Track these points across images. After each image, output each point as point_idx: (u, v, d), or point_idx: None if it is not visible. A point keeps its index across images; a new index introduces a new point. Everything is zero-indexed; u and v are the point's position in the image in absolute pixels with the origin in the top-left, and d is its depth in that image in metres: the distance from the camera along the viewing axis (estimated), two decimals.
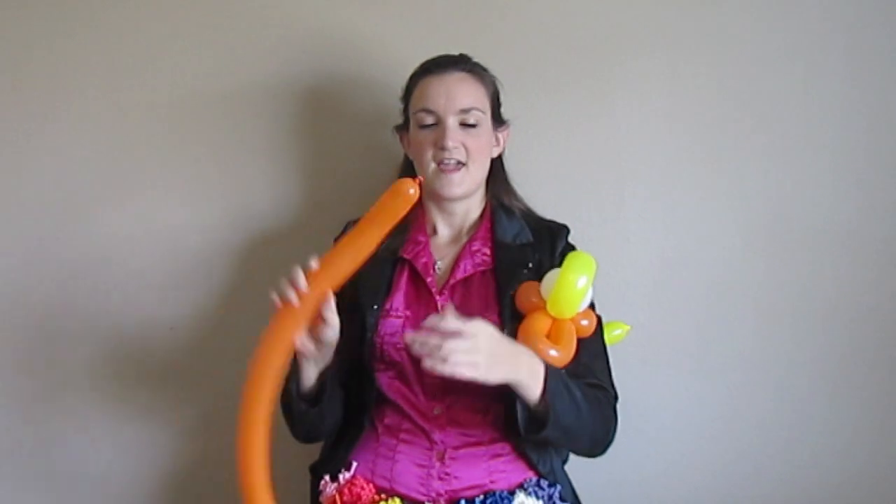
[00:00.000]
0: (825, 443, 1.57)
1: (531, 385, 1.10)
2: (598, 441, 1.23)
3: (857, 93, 1.55)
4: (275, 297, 1.11)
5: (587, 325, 1.23)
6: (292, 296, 1.09)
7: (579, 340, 1.21)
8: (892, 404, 1.56)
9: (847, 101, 1.55)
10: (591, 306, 1.27)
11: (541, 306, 1.19)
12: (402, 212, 1.10)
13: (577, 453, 1.27)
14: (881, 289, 1.56)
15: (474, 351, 1.04)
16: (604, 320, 1.42)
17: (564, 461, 1.35)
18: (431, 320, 1.06)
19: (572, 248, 1.35)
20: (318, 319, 1.13)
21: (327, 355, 1.18)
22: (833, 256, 1.56)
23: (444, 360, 1.03)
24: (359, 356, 1.25)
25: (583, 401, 1.16)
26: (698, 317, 1.57)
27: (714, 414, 1.58)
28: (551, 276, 1.19)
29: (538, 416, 1.13)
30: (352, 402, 1.28)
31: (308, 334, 1.14)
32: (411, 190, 1.09)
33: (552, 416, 1.10)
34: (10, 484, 1.64)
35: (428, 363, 1.04)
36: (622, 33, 1.57)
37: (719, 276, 1.57)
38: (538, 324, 1.18)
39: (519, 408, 1.14)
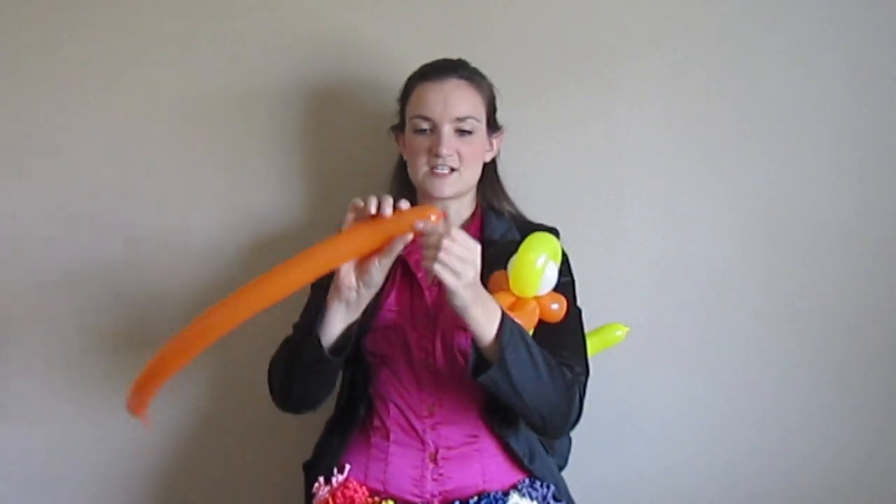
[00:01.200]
0: (825, 442, 1.57)
1: (485, 325, 1.10)
2: (558, 411, 1.17)
3: (857, 93, 1.55)
4: (367, 203, 1.10)
5: (557, 309, 1.20)
6: (388, 209, 1.08)
7: (551, 325, 1.20)
8: (892, 404, 1.57)
9: (847, 101, 1.56)
10: (573, 294, 1.26)
11: (507, 288, 1.20)
12: (402, 233, 1.09)
13: (537, 425, 1.20)
14: (881, 289, 1.56)
15: (469, 264, 1.06)
16: (604, 320, 1.43)
17: (561, 468, 1.36)
18: (437, 224, 1.07)
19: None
20: (368, 261, 1.12)
21: (359, 307, 1.17)
22: (833, 256, 1.56)
23: (440, 259, 1.05)
24: (355, 351, 1.25)
25: (542, 362, 1.14)
26: (698, 317, 1.58)
27: (714, 414, 1.58)
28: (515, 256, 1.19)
29: (489, 363, 1.11)
30: (345, 396, 1.28)
31: (354, 272, 1.13)
32: (432, 217, 1.08)
33: (501, 361, 1.09)
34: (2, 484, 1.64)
35: (424, 260, 1.07)
36: (622, 33, 1.57)
37: (719, 276, 1.57)
38: (499, 300, 1.17)
39: (472, 349, 1.13)
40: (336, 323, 1.17)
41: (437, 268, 1.06)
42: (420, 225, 1.07)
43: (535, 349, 1.14)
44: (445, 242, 1.05)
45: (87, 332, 1.62)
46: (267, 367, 1.28)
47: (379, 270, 1.12)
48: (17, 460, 1.64)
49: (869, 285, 1.56)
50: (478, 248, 1.09)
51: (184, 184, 1.62)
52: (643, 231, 1.57)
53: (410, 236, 1.09)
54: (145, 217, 1.62)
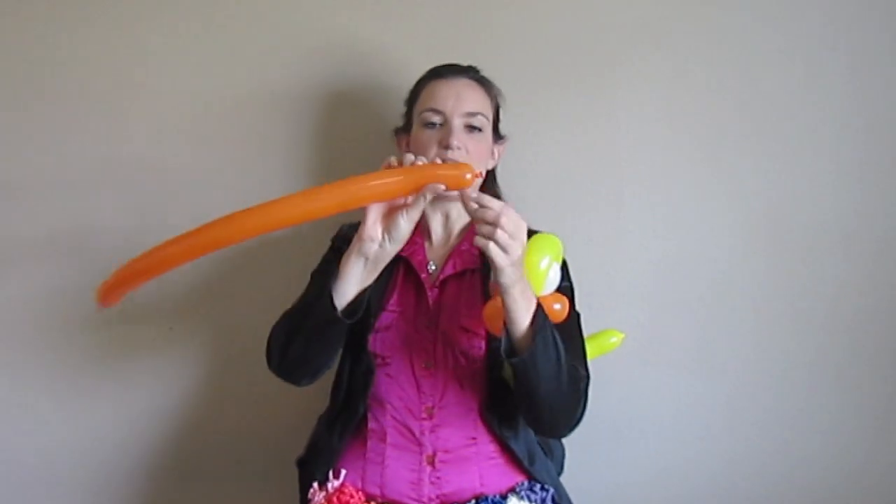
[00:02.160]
0: (825, 442, 1.58)
1: (524, 307, 1.10)
2: (567, 408, 1.18)
3: (857, 93, 1.55)
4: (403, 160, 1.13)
5: (559, 309, 1.20)
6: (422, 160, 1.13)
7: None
8: (892, 404, 1.57)
9: (847, 101, 1.56)
10: (572, 299, 1.26)
11: None
12: (447, 183, 1.10)
13: (543, 419, 1.20)
14: (881, 289, 1.56)
15: (517, 241, 1.07)
16: (604, 321, 1.42)
17: (558, 473, 1.36)
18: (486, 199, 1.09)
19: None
20: (396, 211, 1.12)
21: (376, 267, 1.15)
22: (833, 256, 1.56)
23: (497, 236, 1.05)
24: (357, 350, 1.25)
25: (563, 356, 1.14)
26: (698, 317, 1.58)
27: (714, 414, 1.58)
28: None
29: (518, 351, 1.11)
30: (343, 394, 1.28)
31: (380, 223, 1.13)
32: (468, 175, 1.10)
33: (533, 346, 1.09)
34: None
35: (477, 237, 1.07)
36: (622, 33, 1.57)
37: (719, 276, 1.57)
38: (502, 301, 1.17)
39: (504, 334, 1.12)
40: (351, 281, 1.15)
41: (491, 245, 1.06)
42: (468, 176, 1.10)
43: (559, 342, 1.14)
44: (503, 219, 1.05)
45: (86, 328, 1.61)
46: (263, 364, 1.27)
47: (406, 221, 1.12)
48: (10, 460, 1.64)
49: (869, 285, 1.56)
50: (525, 226, 1.09)
51: (192, 182, 1.61)
52: (643, 231, 1.57)
53: (443, 186, 1.09)
54: (151, 213, 1.61)
